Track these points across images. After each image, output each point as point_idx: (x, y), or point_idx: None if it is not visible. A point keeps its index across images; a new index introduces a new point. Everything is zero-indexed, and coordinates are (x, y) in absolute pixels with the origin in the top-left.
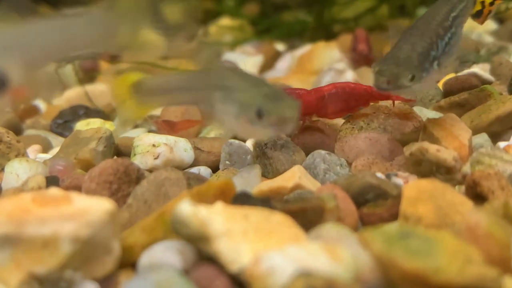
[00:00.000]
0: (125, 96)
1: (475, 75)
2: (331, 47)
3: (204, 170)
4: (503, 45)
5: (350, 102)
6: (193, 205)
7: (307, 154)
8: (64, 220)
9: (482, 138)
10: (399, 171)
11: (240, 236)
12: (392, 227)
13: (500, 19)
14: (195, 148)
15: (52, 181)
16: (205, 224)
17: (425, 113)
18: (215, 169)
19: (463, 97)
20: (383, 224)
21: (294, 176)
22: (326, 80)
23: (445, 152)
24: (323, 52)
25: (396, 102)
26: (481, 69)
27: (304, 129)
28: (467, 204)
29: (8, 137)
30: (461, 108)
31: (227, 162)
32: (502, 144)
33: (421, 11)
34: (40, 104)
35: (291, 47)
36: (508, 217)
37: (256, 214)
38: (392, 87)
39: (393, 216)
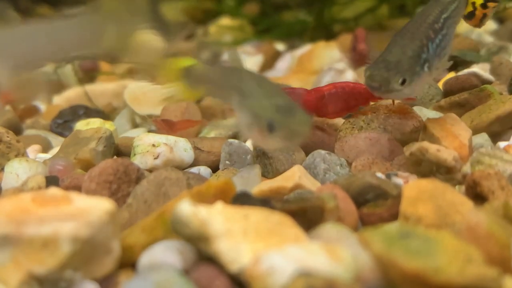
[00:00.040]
0: (175, 78)
1: (475, 75)
2: (331, 47)
3: (204, 170)
4: (503, 45)
5: (350, 102)
6: (193, 205)
7: (307, 154)
8: (64, 220)
9: (482, 138)
10: (399, 171)
11: (240, 236)
12: (392, 227)
13: (500, 19)
14: (195, 148)
15: (52, 181)
16: (205, 224)
17: (425, 113)
18: (215, 169)
19: (463, 97)
20: (383, 224)
21: (294, 176)
22: (326, 80)
23: (445, 152)
24: (323, 52)
25: (396, 101)
26: (481, 69)
27: None
28: (467, 204)
29: (8, 137)
30: (461, 108)
31: (227, 162)
32: (502, 144)
33: None
34: (40, 104)
35: (291, 47)
36: (508, 217)
37: (256, 214)
38: (383, 91)
39: (393, 216)
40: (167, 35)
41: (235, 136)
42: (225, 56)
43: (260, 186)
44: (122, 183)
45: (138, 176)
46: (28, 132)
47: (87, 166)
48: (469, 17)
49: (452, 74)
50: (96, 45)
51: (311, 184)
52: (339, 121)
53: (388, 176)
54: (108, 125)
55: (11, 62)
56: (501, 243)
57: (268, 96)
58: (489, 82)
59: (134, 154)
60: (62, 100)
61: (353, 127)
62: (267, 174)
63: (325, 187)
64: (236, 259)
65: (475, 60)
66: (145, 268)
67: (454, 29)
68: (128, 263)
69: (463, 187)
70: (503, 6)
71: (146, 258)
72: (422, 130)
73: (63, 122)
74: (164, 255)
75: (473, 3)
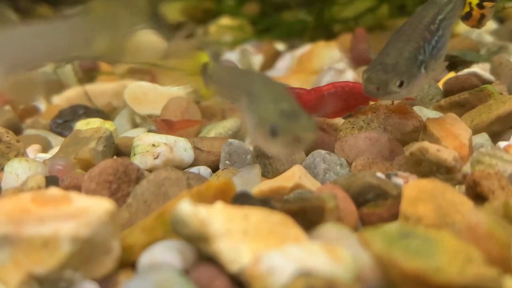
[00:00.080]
0: (195, 72)
1: (475, 75)
2: (331, 47)
3: (204, 170)
4: (503, 44)
5: (349, 101)
6: (193, 205)
7: (307, 154)
8: (64, 220)
9: (482, 138)
10: (399, 171)
11: (240, 236)
12: (392, 227)
13: (500, 18)
14: (195, 148)
15: (51, 181)
16: (205, 224)
17: (425, 113)
18: (215, 169)
19: (464, 97)
20: (383, 224)
21: (294, 176)
22: (326, 79)
23: (445, 152)
24: (323, 51)
25: (396, 100)
26: (481, 69)
27: None
28: (467, 204)
29: (7, 136)
30: (462, 108)
31: (227, 162)
32: (502, 143)
33: None
34: (40, 103)
35: (291, 46)
36: (508, 217)
37: (256, 214)
38: (381, 93)
39: (393, 216)
40: (166, 35)
41: (235, 136)
42: (228, 56)
43: (260, 186)
44: (122, 183)
45: (138, 176)
46: (28, 132)
47: (87, 166)
48: (466, 17)
49: (452, 74)
50: (86, 48)
51: (311, 184)
52: (339, 121)
53: (388, 176)
54: (108, 125)
55: (4, 64)
56: (501, 243)
57: (273, 100)
58: (489, 82)
59: (134, 154)
60: (62, 100)
61: (353, 127)
62: (267, 174)
63: (325, 187)
64: (236, 259)
65: (475, 60)
66: (145, 268)
67: (450, 30)
68: (128, 263)
69: (463, 187)
70: (502, 5)
71: (146, 258)
72: (422, 130)
73: (63, 122)
74: (164, 255)
75: (470, 3)
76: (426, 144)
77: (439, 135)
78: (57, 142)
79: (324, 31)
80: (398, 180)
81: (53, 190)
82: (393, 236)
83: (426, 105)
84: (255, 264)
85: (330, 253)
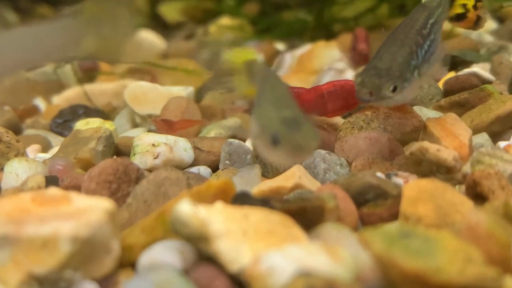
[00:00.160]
0: (239, 68)
1: (475, 75)
2: (331, 47)
3: (204, 170)
4: (503, 44)
5: (349, 100)
6: (193, 205)
7: None
8: (64, 220)
9: (483, 138)
10: (399, 170)
11: (240, 236)
12: (392, 227)
13: (500, 18)
14: (195, 148)
15: (51, 180)
16: (205, 224)
17: (425, 113)
18: (215, 168)
19: (464, 97)
20: (383, 224)
21: (294, 176)
22: (326, 79)
23: (445, 152)
24: (323, 51)
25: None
26: (481, 69)
27: None
28: (468, 203)
29: (7, 136)
30: (462, 108)
31: (227, 161)
32: (502, 143)
33: None
34: (40, 103)
35: (291, 46)
36: (508, 217)
37: (256, 214)
38: (374, 98)
39: (393, 216)
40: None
41: (234, 136)
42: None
43: (260, 186)
44: (122, 183)
45: (137, 176)
46: (28, 131)
47: (86, 165)
48: (460, 19)
49: (452, 74)
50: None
51: (311, 184)
52: (339, 120)
53: (388, 176)
54: (108, 125)
55: None
56: (501, 243)
57: (277, 108)
58: (489, 82)
59: (134, 154)
60: (61, 99)
61: (353, 127)
62: (267, 174)
63: (325, 187)
64: (236, 259)
65: (475, 60)
66: (145, 268)
67: (440, 34)
68: (127, 263)
69: (463, 187)
70: (500, 4)
71: (145, 258)
72: (422, 130)
73: (63, 121)
74: (164, 255)
75: (464, 5)
76: (426, 144)
77: (439, 135)
78: (57, 142)
79: (324, 31)
80: (398, 180)
81: (53, 190)
82: (393, 236)
83: (426, 105)
84: (255, 264)
85: (330, 253)
